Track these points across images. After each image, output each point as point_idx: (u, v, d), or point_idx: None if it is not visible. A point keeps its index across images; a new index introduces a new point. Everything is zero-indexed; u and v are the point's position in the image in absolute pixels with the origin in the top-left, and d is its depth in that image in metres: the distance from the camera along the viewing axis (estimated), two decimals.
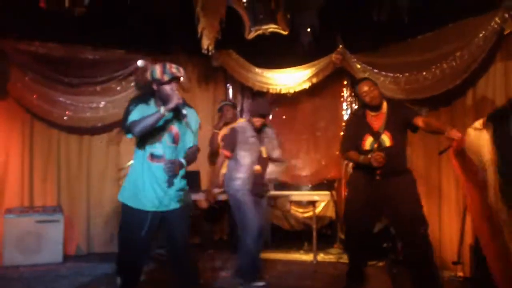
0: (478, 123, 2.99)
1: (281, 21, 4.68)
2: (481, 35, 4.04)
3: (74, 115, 5.34)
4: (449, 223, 4.48)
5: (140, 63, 5.45)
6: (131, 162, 5.09)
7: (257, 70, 5.76)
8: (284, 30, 4.72)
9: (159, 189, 2.87)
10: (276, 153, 4.11)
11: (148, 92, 2.95)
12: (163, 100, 2.84)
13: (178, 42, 5.50)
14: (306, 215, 5.72)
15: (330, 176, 5.90)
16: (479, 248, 3.50)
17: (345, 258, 4.62)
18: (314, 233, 4.79)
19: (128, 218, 2.94)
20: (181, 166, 2.89)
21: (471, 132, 3.10)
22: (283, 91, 5.72)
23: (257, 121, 3.99)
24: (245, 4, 4.55)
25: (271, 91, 5.76)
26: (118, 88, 5.54)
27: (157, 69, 2.84)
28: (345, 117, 5.85)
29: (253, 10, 4.58)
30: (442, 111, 4.67)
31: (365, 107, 3.68)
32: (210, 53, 4.77)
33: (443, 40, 4.46)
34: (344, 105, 6.00)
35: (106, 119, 5.47)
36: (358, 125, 3.71)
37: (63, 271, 4.68)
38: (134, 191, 2.90)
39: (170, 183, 2.89)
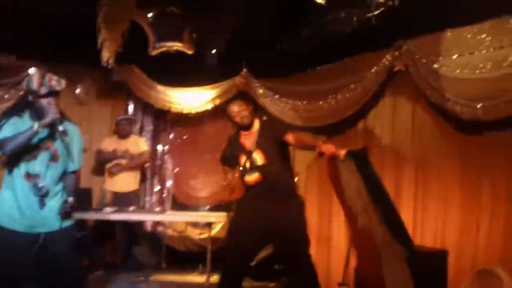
0: (342, 152, 2.93)
1: (187, 40, 4.69)
2: (373, 70, 4.35)
3: None
4: (337, 246, 4.69)
5: (32, 71, 5.13)
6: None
7: (160, 87, 5.64)
8: (189, 50, 4.72)
9: (31, 209, 2.68)
10: None
11: (22, 104, 2.75)
12: (39, 114, 2.65)
13: (78, 52, 5.23)
14: (202, 236, 5.66)
15: (227, 198, 5.90)
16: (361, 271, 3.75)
17: None
18: (209, 255, 4.73)
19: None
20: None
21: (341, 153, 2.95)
22: (185, 111, 5.67)
23: None
24: (150, 19, 4.49)
25: (172, 110, 5.68)
26: (6, 96, 5.10)
27: (34, 80, 2.63)
28: None
29: (158, 26, 4.53)
30: (336, 139, 4.91)
31: (238, 127, 3.65)
32: (109, 67, 4.63)
33: (339, 72, 4.74)
34: None
35: None
36: (233, 146, 3.67)
37: None
38: (4, 211, 2.69)
39: (42, 204, 2.69)
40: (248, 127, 3.56)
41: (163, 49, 4.67)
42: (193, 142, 6.21)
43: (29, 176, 2.68)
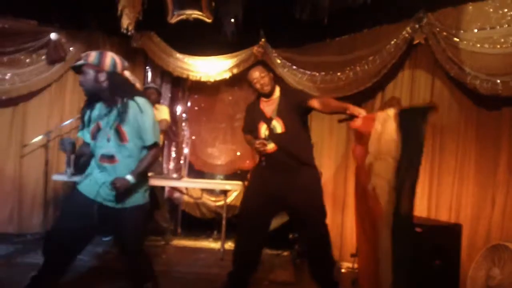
0: (390, 111, 2.76)
1: (206, 8, 4.68)
2: (392, 42, 4.33)
3: None
4: (351, 217, 4.78)
5: (53, 36, 5.22)
6: (39, 137, 4.98)
7: (178, 55, 5.69)
8: (208, 18, 4.72)
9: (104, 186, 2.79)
10: None
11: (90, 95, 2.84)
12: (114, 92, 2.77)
13: (97, 18, 5.30)
14: (218, 203, 5.81)
15: (243, 167, 6.02)
16: None
17: None
18: (224, 222, 4.87)
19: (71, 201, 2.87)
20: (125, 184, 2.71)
21: (379, 115, 2.81)
22: (203, 79, 5.71)
23: None
24: None
25: (191, 78, 5.73)
26: (27, 61, 5.25)
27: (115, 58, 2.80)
28: None
29: None
30: None
31: (258, 94, 3.59)
32: (129, 34, 4.68)
33: (358, 44, 4.72)
34: None
35: (11, 92, 5.16)
36: (253, 113, 3.59)
37: None
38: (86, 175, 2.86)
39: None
40: (268, 94, 3.51)
41: (182, 17, 4.68)
42: (211, 110, 6.30)
43: (104, 158, 2.77)
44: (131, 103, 2.74)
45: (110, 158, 2.77)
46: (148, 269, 2.94)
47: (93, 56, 2.74)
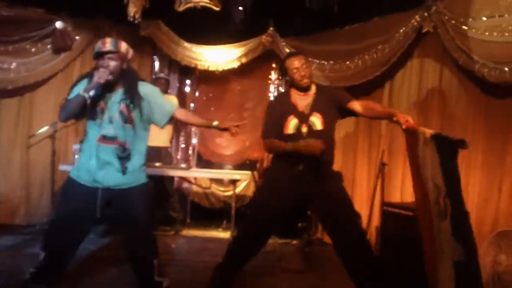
0: (427, 131, 2.64)
1: None
2: (401, 31, 4.48)
3: None
4: (359, 207, 4.96)
5: (59, 24, 5.35)
6: (46, 128, 5.13)
7: (186, 44, 5.83)
8: (216, 6, 4.80)
9: (108, 171, 2.84)
10: None
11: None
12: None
13: (103, 6, 5.43)
14: (226, 193, 6.01)
15: (253, 157, 6.20)
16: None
17: None
18: (233, 211, 5.05)
19: (69, 191, 2.91)
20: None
21: (420, 133, 2.67)
22: (211, 68, 5.85)
23: None
24: None
25: (199, 67, 5.88)
26: (33, 50, 5.38)
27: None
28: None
29: None
30: (362, 100, 5.10)
31: (291, 86, 3.28)
32: (136, 22, 4.80)
33: (367, 32, 4.87)
34: (272, 88, 6.31)
35: (17, 81, 5.30)
36: (281, 106, 3.22)
37: None
38: (80, 165, 2.89)
39: (124, 166, 2.85)
40: (306, 88, 3.19)
41: (190, 5, 4.76)
42: (219, 100, 6.47)
43: (104, 139, 2.82)
44: (140, 84, 2.90)
45: (112, 139, 2.82)
46: (156, 248, 3.04)
47: (123, 45, 2.85)
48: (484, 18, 3.85)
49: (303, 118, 3.13)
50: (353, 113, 3.18)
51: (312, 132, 3.10)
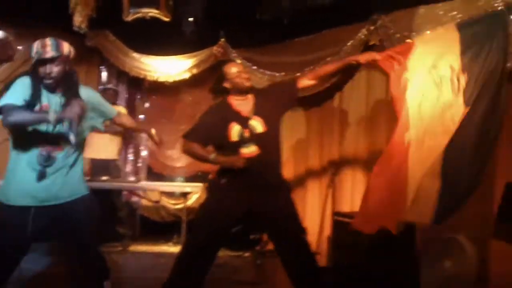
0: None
1: (163, 6, 4.77)
2: (349, 44, 4.63)
3: None
4: (311, 216, 5.06)
5: (0, 34, 5.25)
6: None
7: (135, 55, 5.79)
8: (166, 17, 4.81)
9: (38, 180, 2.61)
10: None
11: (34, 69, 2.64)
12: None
13: (48, 16, 5.33)
14: (177, 206, 5.97)
15: (204, 169, 6.18)
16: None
17: None
18: (184, 225, 5.03)
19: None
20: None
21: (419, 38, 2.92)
22: (161, 79, 5.83)
23: None
24: None
25: (148, 78, 5.86)
26: None
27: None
28: None
29: None
30: (313, 111, 5.26)
31: (228, 93, 3.28)
32: (82, 32, 4.75)
33: (317, 45, 5.00)
34: None
35: None
36: (222, 114, 3.20)
37: None
38: (8, 185, 2.65)
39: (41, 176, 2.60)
40: (248, 90, 3.23)
41: (138, 15, 4.73)
42: (170, 111, 6.44)
43: (47, 146, 2.60)
44: (82, 88, 2.74)
45: (55, 146, 2.62)
46: (106, 267, 2.94)
47: (65, 46, 2.64)
48: (428, 32, 4.02)
49: (245, 123, 3.13)
50: (303, 89, 3.31)
51: (254, 135, 3.11)
